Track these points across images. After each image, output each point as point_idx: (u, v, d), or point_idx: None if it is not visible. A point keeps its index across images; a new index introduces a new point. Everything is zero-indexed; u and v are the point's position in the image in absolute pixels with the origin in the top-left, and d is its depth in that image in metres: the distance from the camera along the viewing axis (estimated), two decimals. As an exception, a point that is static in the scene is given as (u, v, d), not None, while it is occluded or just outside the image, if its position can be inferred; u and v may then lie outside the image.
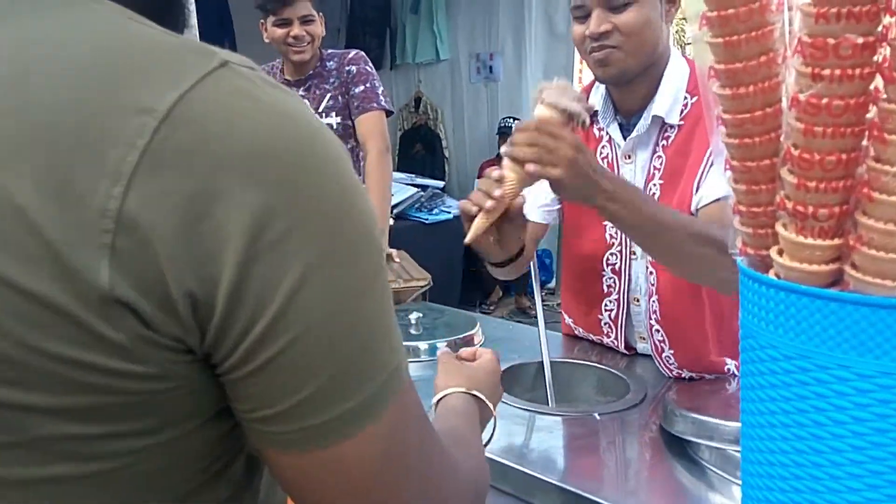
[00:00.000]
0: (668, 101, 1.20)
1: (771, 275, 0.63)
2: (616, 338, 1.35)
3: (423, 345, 1.38)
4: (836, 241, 0.57)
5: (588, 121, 1.03)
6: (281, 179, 0.35)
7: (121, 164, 0.32)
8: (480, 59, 5.35)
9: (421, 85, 5.55)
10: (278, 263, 0.35)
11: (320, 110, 2.11)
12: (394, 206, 3.88)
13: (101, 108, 0.33)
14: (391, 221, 3.78)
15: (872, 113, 0.53)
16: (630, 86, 1.21)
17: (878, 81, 0.52)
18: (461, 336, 1.41)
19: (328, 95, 2.11)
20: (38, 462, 0.35)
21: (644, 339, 1.34)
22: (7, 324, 0.32)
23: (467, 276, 4.24)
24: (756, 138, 0.60)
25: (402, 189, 4.04)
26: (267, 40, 2.10)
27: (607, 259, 1.30)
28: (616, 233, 1.29)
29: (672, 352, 1.26)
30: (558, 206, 1.36)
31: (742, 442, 0.69)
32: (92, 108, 0.33)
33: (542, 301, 1.32)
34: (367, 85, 2.10)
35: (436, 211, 3.85)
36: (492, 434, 0.76)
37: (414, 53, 5.42)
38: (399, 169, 5.42)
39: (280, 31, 2.03)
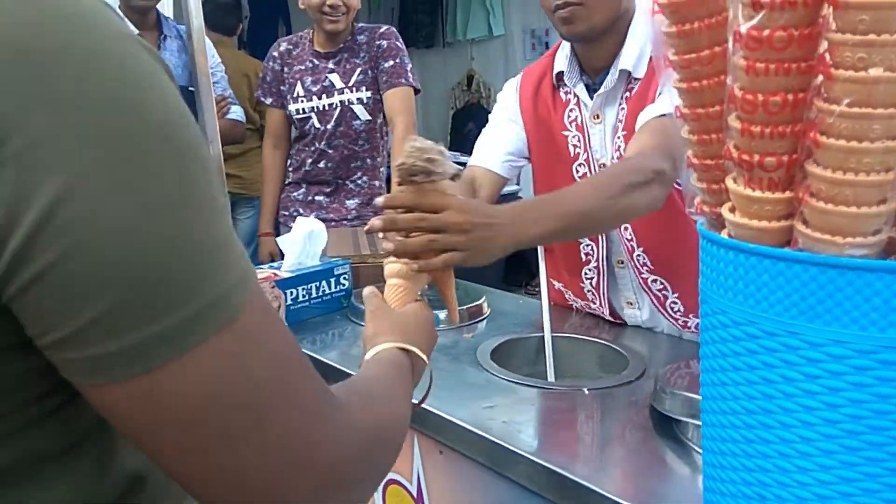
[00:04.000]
0: (635, 53, 1.14)
1: (724, 234, 0.57)
2: (600, 304, 1.30)
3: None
4: (787, 195, 0.52)
5: (459, 171, 0.83)
6: (30, 79, 0.31)
7: None
8: (535, 35, 5.23)
9: (474, 62, 5.48)
10: (29, 173, 0.31)
11: (350, 84, 2.09)
12: (438, 184, 3.85)
13: None
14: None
15: (823, 47, 0.47)
16: (596, 42, 1.16)
17: (829, 10, 0.46)
18: (466, 307, 1.38)
19: (358, 69, 2.08)
20: None
21: (632, 304, 1.28)
22: None
23: (511, 257, 4.19)
24: (704, 81, 0.55)
25: (449, 167, 4.00)
26: (302, 6, 2.08)
27: None
28: None
29: (676, 295, 1.21)
30: (524, 163, 1.32)
31: (702, 416, 0.64)
32: None
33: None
34: (397, 60, 2.06)
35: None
36: (428, 388, 0.72)
37: (465, 30, 5.35)
38: (451, 148, 5.38)
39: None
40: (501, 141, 1.31)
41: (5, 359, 0.36)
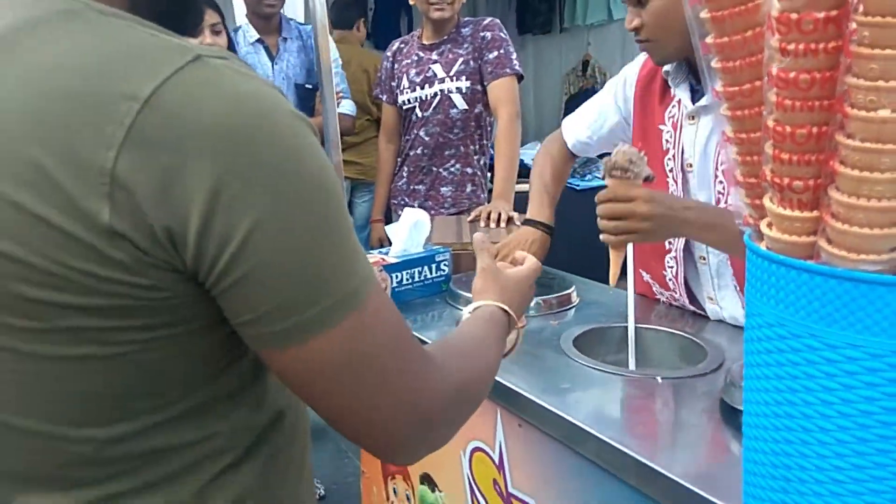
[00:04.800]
0: None
1: (762, 246, 0.64)
2: (680, 294, 1.35)
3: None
4: (814, 214, 0.58)
5: (653, 175, 1.14)
6: (232, 152, 0.46)
7: (113, 137, 0.45)
8: (656, 19, 5.13)
9: (590, 47, 5.45)
10: (233, 215, 0.46)
11: (451, 73, 2.19)
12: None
13: (102, 96, 0.46)
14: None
15: (843, 88, 0.54)
16: (690, 56, 1.20)
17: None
18: (555, 296, 1.47)
19: (460, 59, 2.18)
20: (68, 344, 0.49)
21: (713, 299, 1.32)
22: (34, 242, 0.46)
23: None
24: (746, 111, 0.62)
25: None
26: (412, 2, 2.21)
27: None
28: (672, 191, 1.29)
29: None
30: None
31: (744, 406, 0.72)
32: (95, 97, 0.46)
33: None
34: (501, 51, 2.15)
35: (588, 177, 3.81)
36: (514, 343, 0.84)
37: (585, 15, 5.32)
38: (564, 134, 5.40)
39: None
40: (593, 116, 1.46)
41: (211, 329, 0.53)
